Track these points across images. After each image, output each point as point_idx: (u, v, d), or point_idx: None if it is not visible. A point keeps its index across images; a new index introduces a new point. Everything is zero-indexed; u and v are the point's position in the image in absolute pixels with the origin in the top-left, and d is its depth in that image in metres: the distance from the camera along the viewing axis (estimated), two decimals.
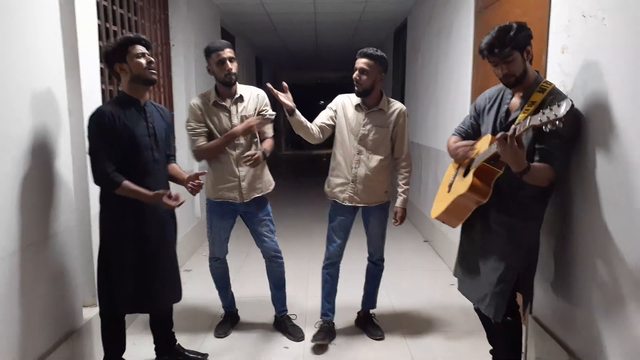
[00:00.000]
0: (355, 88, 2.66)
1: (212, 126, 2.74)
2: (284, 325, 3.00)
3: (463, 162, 2.21)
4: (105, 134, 2.12)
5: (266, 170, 2.88)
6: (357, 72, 2.63)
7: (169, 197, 2.17)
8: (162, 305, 2.41)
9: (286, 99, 2.53)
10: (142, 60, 2.16)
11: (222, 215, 2.86)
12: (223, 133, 2.71)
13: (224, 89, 2.75)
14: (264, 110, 2.83)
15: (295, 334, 2.94)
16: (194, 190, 2.35)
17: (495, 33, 1.96)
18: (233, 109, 2.75)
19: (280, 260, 2.97)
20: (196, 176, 2.36)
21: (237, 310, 3.18)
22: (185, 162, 4.25)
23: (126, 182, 2.13)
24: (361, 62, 2.62)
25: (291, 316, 3.06)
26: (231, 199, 2.79)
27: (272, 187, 2.91)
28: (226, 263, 3.03)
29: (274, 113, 2.88)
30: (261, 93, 2.87)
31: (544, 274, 2.36)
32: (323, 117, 2.80)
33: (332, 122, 2.79)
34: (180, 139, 4.28)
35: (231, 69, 2.66)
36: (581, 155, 2.04)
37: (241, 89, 2.80)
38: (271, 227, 2.92)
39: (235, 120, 2.74)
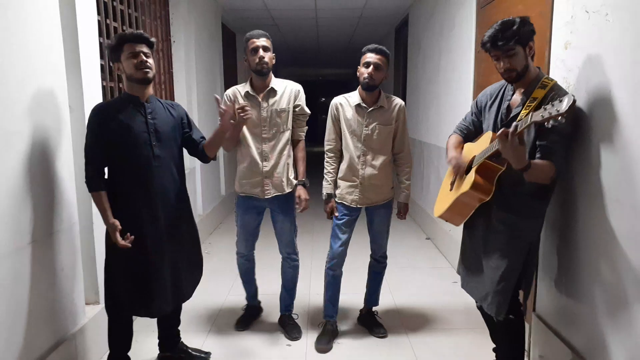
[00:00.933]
0: (367, 82, 2.62)
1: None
2: (284, 323, 2.99)
3: (460, 171, 2.20)
4: (96, 132, 2.10)
5: (291, 169, 2.83)
6: (371, 68, 2.60)
7: (122, 235, 2.12)
8: (156, 310, 2.32)
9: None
10: (134, 60, 2.12)
11: (246, 210, 2.84)
12: (253, 124, 2.70)
13: (258, 80, 2.71)
14: (298, 107, 2.78)
15: (291, 333, 2.91)
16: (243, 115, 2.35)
17: (498, 26, 1.94)
18: (264, 102, 2.71)
19: (294, 262, 2.93)
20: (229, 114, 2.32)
21: (259, 302, 3.18)
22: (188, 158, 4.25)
23: (102, 194, 2.12)
24: (376, 58, 2.61)
25: (293, 316, 3.05)
26: (254, 194, 2.78)
27: (293, 186, 2.84)
28: (252, 260, 3.03)
29: (308, 112, 2.84)
30: (296, 87, 2.80)
31: (548, 272, 2.36)
32: (331, 135, 2.81)
33: (339, 134, 2.80)
34: None
35: (263, 57, 2.63)
36: (584, 152, 2.02)
37: (275, 82, 2.75)
38: (291, 226, 2.86)
39: (265, 114, 2.70)
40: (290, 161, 2.82)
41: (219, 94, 5.74)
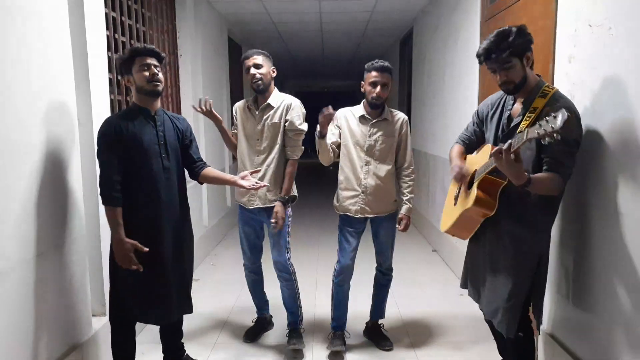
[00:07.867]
0: (375, 101, 2.67)
1: (241, 129, 2.84)
2: (289, 334, 2.93)
3: (463, 181, 2.18)
4: (112, 145, 2.12)
5: (278, 182, 2.81)
6: (379, 87, 2.64)
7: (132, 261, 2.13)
8: (165, 318, 2.34)
9: (325, 122, 2.55)
10: (145, 73, 2.16)
11: (244, 221, 2.89)
12: (249, 137, 2.81)
13: (258, 96, 2.80)
14: (287, 122, 2.74)
15: (290, 340, 2.85)
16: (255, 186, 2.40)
17: (493, 38, 1.88)
18: (260, 116, 2.78)
19: (287, 281, 2.86)
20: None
21: (271, 316, 3.16)
22: None
23: (119, 210, 2.12)
24: (384, 77, 2.65)
25: (301, 330, 2.95)
26: (242, 203, 2.83)
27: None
28: (258, 272, 3.02)
29: (299, 128, 2.75)
30: (289, 101, 2.78)
31: (558, 287, 2.33)
32: (331, 138, 2.78)
33: (339, 141, 2.81)
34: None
35: (255, 75, 2.69)
36: (597, 166, 2.00)
37: (274, 97, 2.77)
38: (282, 239, 2.80)
39: (260, 127, 2.77)
40: (279, 175, 2.79)
41: (225, 107, 5.80)
